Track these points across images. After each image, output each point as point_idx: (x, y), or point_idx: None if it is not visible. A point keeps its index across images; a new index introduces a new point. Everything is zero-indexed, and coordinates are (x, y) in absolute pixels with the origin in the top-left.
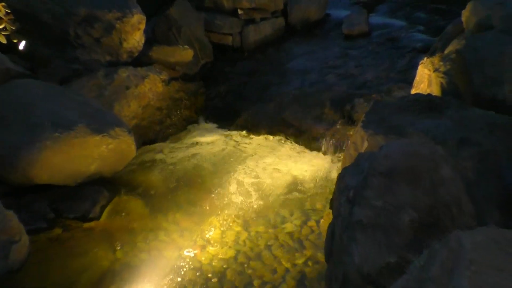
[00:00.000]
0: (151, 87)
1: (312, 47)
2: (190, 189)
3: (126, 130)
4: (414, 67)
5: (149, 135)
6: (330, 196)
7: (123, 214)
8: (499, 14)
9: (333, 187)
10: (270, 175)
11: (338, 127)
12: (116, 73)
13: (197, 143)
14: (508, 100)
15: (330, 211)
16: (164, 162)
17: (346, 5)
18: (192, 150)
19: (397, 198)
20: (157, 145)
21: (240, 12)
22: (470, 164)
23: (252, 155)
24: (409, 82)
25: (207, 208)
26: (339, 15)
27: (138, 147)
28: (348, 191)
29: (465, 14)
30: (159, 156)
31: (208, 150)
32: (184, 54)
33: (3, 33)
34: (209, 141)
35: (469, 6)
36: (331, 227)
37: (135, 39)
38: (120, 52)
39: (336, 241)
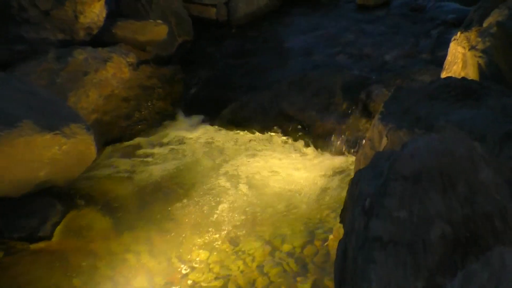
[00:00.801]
0: (116, 73)
1: (317, 21)
2: (166, 200)
3: (84, 127)
4: (445, 45)
5: (114, 132)
6: (341, 207)
7: (81, 232)
8: None
9: (344, 196)
10: (266, 182)
11: (350, 120)
12: (71, 55)
13: (173, 142)
14: None
15: (341, 225)
16: (132, 167)
17: None
18: (168, 152)
19: (425, 208)
20: (124, 146)
21: None
22: None
23: (243, 158)
24: (439, 63)
25: (188, 224)
26: None
27: (99, 148)
28: (363, 200)
29: None
30: (126, 159)
31: (188, 151)
32: (156, 30)
33: None
34: (189, 140)
35: None
36: (342, 246)
37: (94, 12)
38: (75, 29)
39: (348, 263)
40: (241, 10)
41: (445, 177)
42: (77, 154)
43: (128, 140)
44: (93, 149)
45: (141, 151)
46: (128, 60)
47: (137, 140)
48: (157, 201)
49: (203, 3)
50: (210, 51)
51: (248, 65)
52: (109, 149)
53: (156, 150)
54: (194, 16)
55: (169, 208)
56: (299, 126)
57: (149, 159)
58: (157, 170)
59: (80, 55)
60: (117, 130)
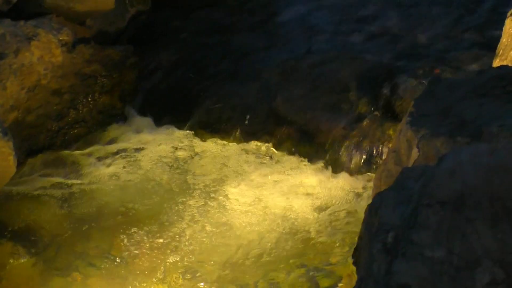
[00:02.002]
0: (43, 55)
1: None
2: (109, 233)
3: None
4: (499, 22)
5: (40, 138)
6: (354, 244)
7: None
8: None
9: (358, 230)
10: (251, 210)
11: (368, 124)
12: None
13: (122, 153)
14: None
15: (354, 268)
16: (65, 186)
17: None
18: (114, 167)
19: (470, 246)
20: (54, 156)
21: None
22: None
23: (219, 176)
24: (491, 47)
25: (139, 265)
26: None
27: (20, 160)
28: (385, 234)
29: None
30: (56, 176)
31: (142, 166)
32: None
33: None
34: (143, 150)
35: None
36: None
37: None
38: None
39: None
40: None
41: (497, 202)
42: None
43: (60, 149)
44: (11, 161)
45: (77, 165)
46: (61, 38)
47: (73, 148)
48: (97, 234)
49: None
50: (175, 26)
51: (227, 46)
52: (33, 160)
53: (99, 163)
54: None
55: (113, 244)
56: (297, 133)
57: (88, 176)
58: (98, 192)
59: None
60: (45, 135)
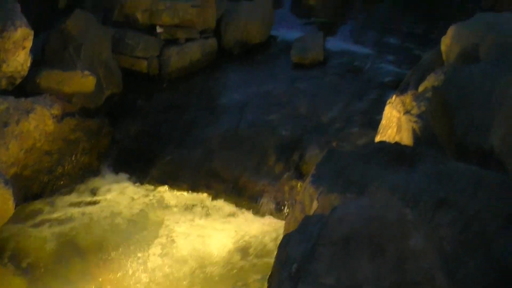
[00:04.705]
0: (38, 125)
1: (252, 78)
2: (82, 258)
3: (2, 181)
4: (381, 107)
5: (34, 187)
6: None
7: None
8: (488, 43)
9: (272, 261)
10: (190, 243)
11: (282, 181)
12: None
13: (96, 201)
14: (498, 152)
15: None
16: (50, 227)
17: (298, 25)
18: (89, 212)
19: (354, 275)
20: (43, 202)
21: (159, 29)
22: (449, 232)
23: (169, 220)
24: (374, 126)
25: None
26: (288, 38)
27: (17, 204)
28: (290, 265)
29: (445, 42)
30: (44, 220)
31: (112, 211)
32: (84, 82)
33: None
34: (114, 198)
35: (450, 32)
36: None
37: (19, 60)
38: None
39: None
40: (173, 64)
41: (375, 242)
42: None
43: (49, 196)
44: (10, 205)
45: (61, 211)
46: (52, 112)
47: (58, 196)
48: (78, 265)
49: (135, 55)
50: (140, 105)
51: (179, 120)
52: (28, 205)
53: (78, 209)
54: (125, 68)
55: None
56: (230, 187)
57: (69, 222)
58: (73, 229)
59: (1, 105)
60: (38, 185)
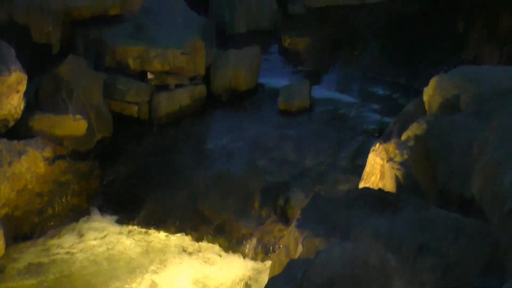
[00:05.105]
0: (30, 167)
1: (239, 123)
2: None
3: None
4: (365, 154)
5: (24, 228)
6: None
7: None
8: (469, 94)
9: None
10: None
11: (267, 225)
12: None
13: (85, 242)
14: (478, 200)
15: None
16: (39, 267)
17: (285, 73)
18: (78, 253)
19: None
20: (33, 243)
21: (149, 76)
22: (431, 277)
23: (157, 261)
24: (358, 173)
25: None
26: (275, 85)
27: (7, 244)
28: None
29: (427, 93)
30: (33, 257)
31: (100, 252)
32: (75, 125)
33: None
34: (102, 239)
35: (432, 83)
36: None
37: (12, 104)
38: None
39: None
40: (163, 109)
41: (358, 286)
42: None
43: (38, 237)
44: (1, 245)
45: (50, 250)
46: (44, 154)
47: (48, 237)
48: None
49: (125, 100)
50: (130, 148)
51: (167, 163)
52: (17, 246)
53: (66, 249)
54: (115, 112)
55: None
56: (215, 229)
57: (56, 264)
58: (62, 265)
59: None
60: (28, 226)
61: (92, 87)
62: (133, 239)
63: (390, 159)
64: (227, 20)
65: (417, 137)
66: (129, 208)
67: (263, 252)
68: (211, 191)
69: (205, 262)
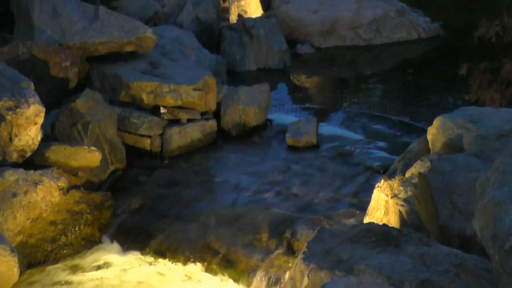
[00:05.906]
0: (45, 196)
1: (248, 158)
2: None
3: (8, 249)
4: (370, 190)
5: (37, 256)
6: None
7: None
8: (471, 135)
9: None
10: None
11: (274, 258)
12: (1, 176)
13: (96, 270)
14: (479, 237)
15: None
16: None
17: (293, 110)
18: (89, 281)
19: None
20: (46, 270)
21: (162, 110)
22: None
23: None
24: (363, 208)
25: None
26: (284, 121)
27: (21, 271)
28: None
29: (431, 132)
30: (45, 285)
31: (111, 279)
32: (90, 157)
33: None
34: (113, 268)
35: (436, 123)
36: None
37: (30, 135)
38: (8, 151)
39: None
40: (174, 142)
41: None
42: None
43: (51, 264)
44: (15, 272)
45: (63, 279)
46: (59, 184)
47: (61, 265)
48: None
49: (138, 133)
50: (142, 180)
51: (177, 196)
52: (31, 272)
53: (78, 278)
54: (128, 145)
55: None
56: (224, 261)
57: (69, 283)
58: None
59: (11, 176)
60: (41, 253)
61: (107, 121)
62: (143, 268)
63: (394, 196)
64: (238, 58)
65: (421, 175)
66: (140, 238)
67: (270, 283)
68: (220, 223)
69: None
